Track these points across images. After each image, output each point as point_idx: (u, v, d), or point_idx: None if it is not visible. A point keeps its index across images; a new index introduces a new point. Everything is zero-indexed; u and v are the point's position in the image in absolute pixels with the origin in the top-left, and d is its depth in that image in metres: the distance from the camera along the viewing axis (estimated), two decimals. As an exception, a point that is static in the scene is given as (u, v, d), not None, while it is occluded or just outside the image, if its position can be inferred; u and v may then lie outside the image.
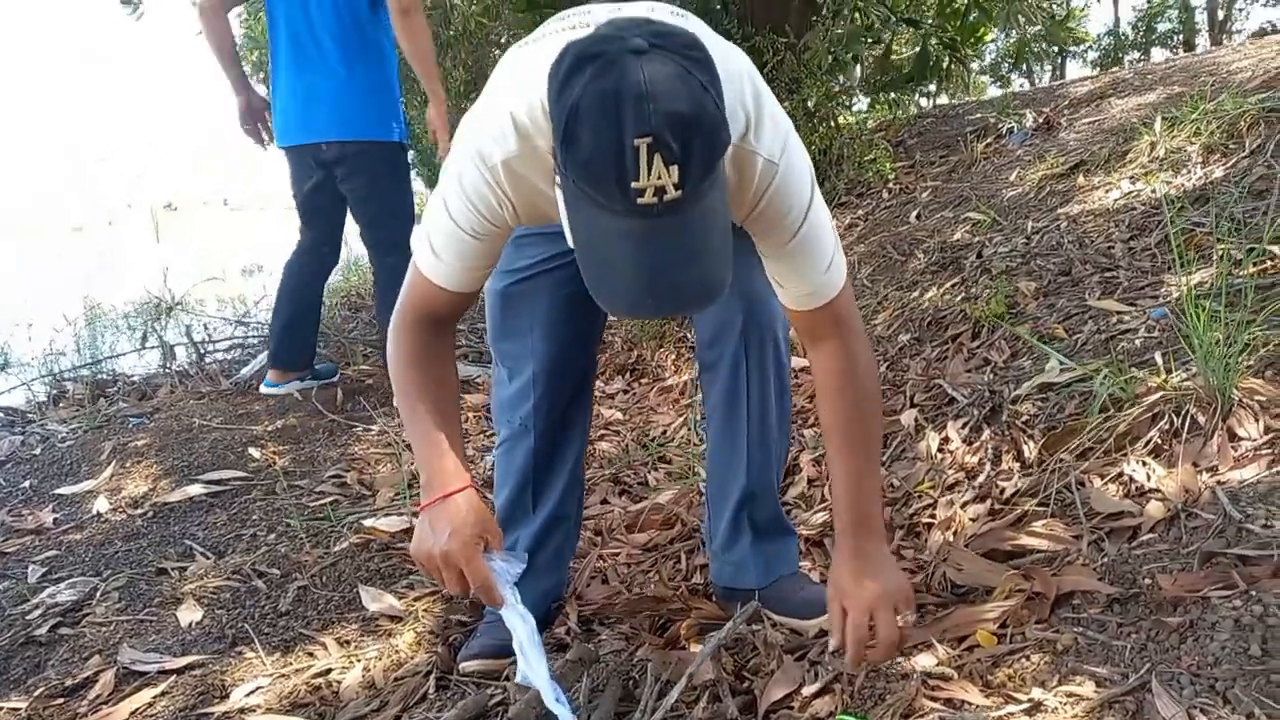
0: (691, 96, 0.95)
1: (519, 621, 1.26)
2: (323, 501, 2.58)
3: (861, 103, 7.19)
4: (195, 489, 2.75)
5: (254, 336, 5.50)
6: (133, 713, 1.62)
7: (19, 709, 1.66)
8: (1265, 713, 1.00)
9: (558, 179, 1.05)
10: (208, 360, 4.75)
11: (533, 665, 1.24)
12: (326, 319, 4.51)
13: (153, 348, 5.15)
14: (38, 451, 3.44)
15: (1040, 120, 4.85)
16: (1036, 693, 1.16)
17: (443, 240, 1.24)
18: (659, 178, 0.94)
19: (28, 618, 2.02)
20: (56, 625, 1.97)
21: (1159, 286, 2.42)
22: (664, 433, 2.92)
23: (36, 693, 1.69)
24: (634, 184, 0.94)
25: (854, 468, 1.30)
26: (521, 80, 1.17)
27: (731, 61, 1.18)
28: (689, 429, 2.87)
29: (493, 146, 1.16)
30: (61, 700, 1.69)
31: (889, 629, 1.22)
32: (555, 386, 1.63)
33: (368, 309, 5.63)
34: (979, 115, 5.84)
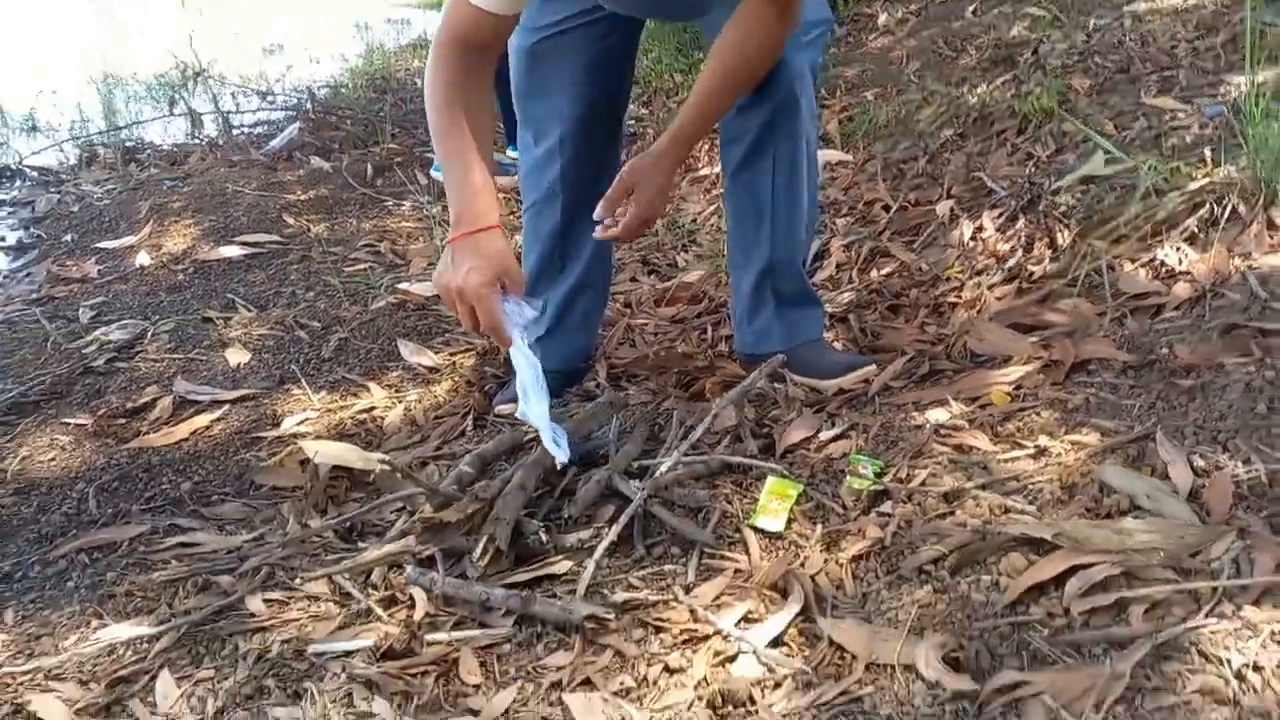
0: None
1: (523, 362, 1.27)
2: (358, 267, 2.64)
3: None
4: (233, 250, 2.81)
5: (280, 110, 5.42)
6: (193, 432, 1.74)
7: (85, 424, 1.78)
8: (1261, 459, 1.06)
9: None
10: (235, 131, 4.71)
11: (533, 405, 1.26)
12: (352, 99, 4.47)
13: (180, 114, 5.10)
14: (75, 209, 3.50)
15: (1116, -86, 4.51)
16: (1043, 440, 1.23)
17: None
18: None
19: (84, 351, 2.13)
20: (112, 359, 2.08)
21: (1218, 86, 2.34)
22: (694, 220, 2.93)
23: (100, 412, 1.81)
24: None
25: (708, 87, 1.41)
26: None
27: None
28: (720, 217, 2.87)
29: None
30: (124, 420, 1.81)
31: (639, 207, 1.41)
32: (583, 149, 1.62)
33: (393, 90, 5.51)
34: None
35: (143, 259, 2.79)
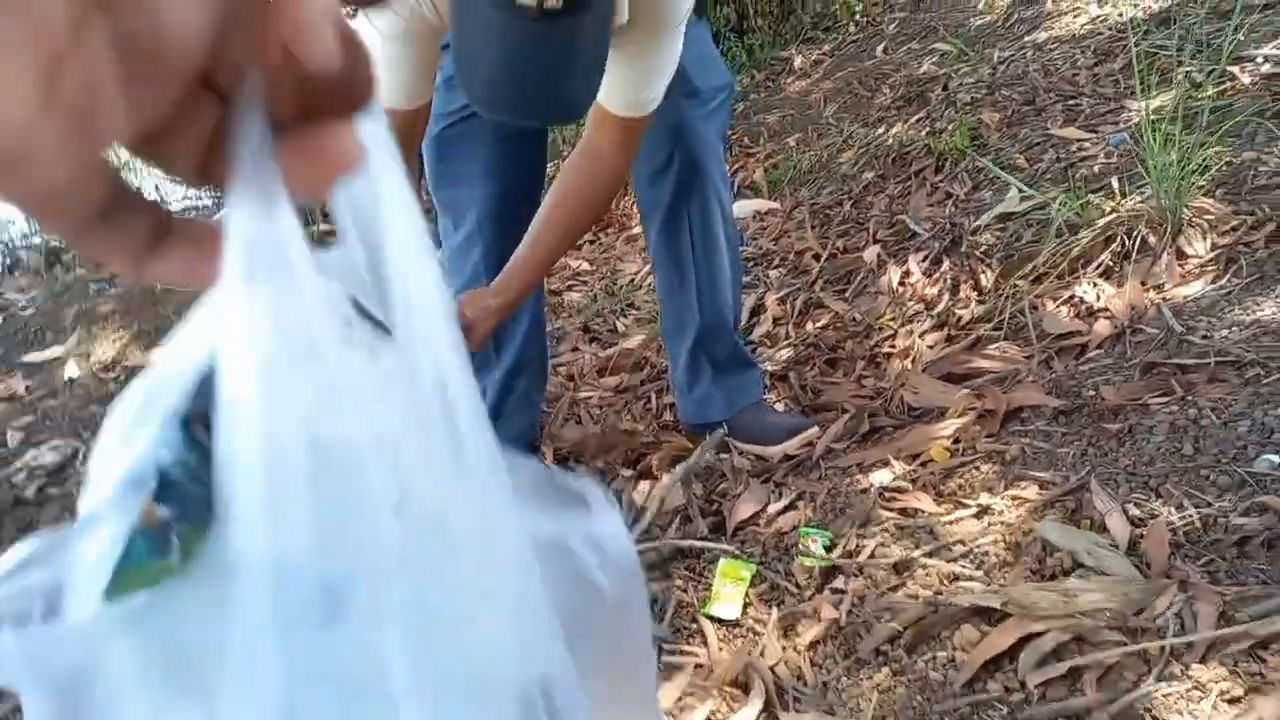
0: None
1: None
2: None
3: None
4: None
5: (207, 196, 5.36)
6: (129, 560, 1.68)
7: (17, 563, 1.72)
8: (1193, 503, 1.08)
9: None
10: (164, 224, 4.65)
11: None
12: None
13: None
14: None
15: (1009, -56, 4.68)
16: (984, 498, 1.24)
17: (374, 56, 1.23)
18: None
19: (14, 479, 2.06)
20: (43, 486, 2.02)
21: (1120, 113, 2.42)
22: (631, 281, 2.94)
23: (32, 547, 1.75)
24: None
25: (549, 235, 1.41)
26: None
27: None
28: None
29: None
30: (58, 553, 1.75)
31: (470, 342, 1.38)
32: (502, 230, 1.61)
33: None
34: (947, -59, 5.63)
35: (71, 370, 2.73)
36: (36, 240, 4.56)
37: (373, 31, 1.21)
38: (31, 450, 2.21)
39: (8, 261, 4.27)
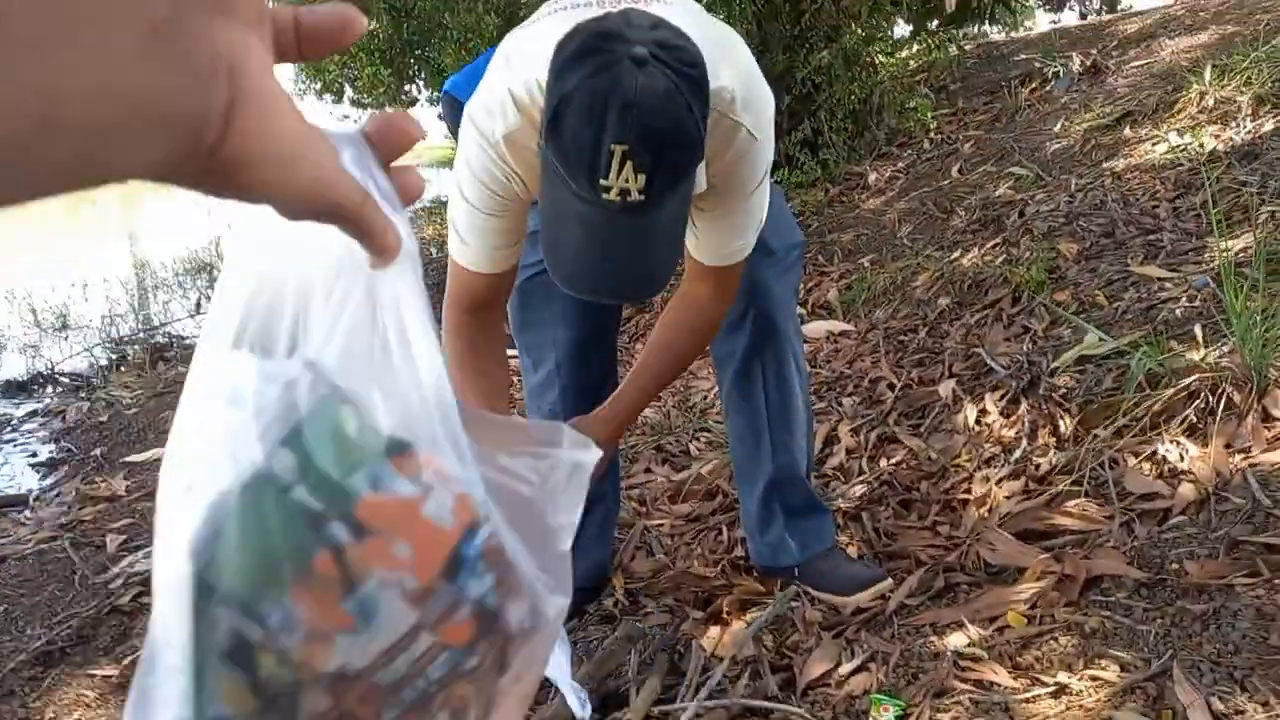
0: (675, 116, 1.02)
1: None
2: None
3: (903, 29, 6.97)
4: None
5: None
6: (214, 681, 1.74)
7: (110, 675, 1.79)
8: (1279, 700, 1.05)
9: (540, 145, 1.13)
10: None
11: (554, 659, 1.27)
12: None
13: (205, 313, 5.28)
14: (105, 419, 3.60)
15: (1087, 64, 4.74)
16: (1062, 676, 1.22)
17: (465, 225, 1.32)
18: (626, 181, 1.02)
19: (110, 586, 2.16)
20: (138, 594, 2.11)
21: (1203, 251, 2.41)
22: (705, 398, 2.98)
23: (125, 661, 1.83)
24: (602, 180, 1.03)
25: (652, 365, 1.48)
26: (517, 62, 1.25)
27: (734, 48, 1.31)
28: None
29: (495, 123, 1.22)
30: (148, 668, 1.82)
31: None
32: (578, 372, 1.69)
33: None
34: (1024, 57, 5.71)
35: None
36: (141, 336, 4.83)
37: (464, 204, 1.30)
38: (128, 556, 2.31)
39: (114, 358, 4.52)
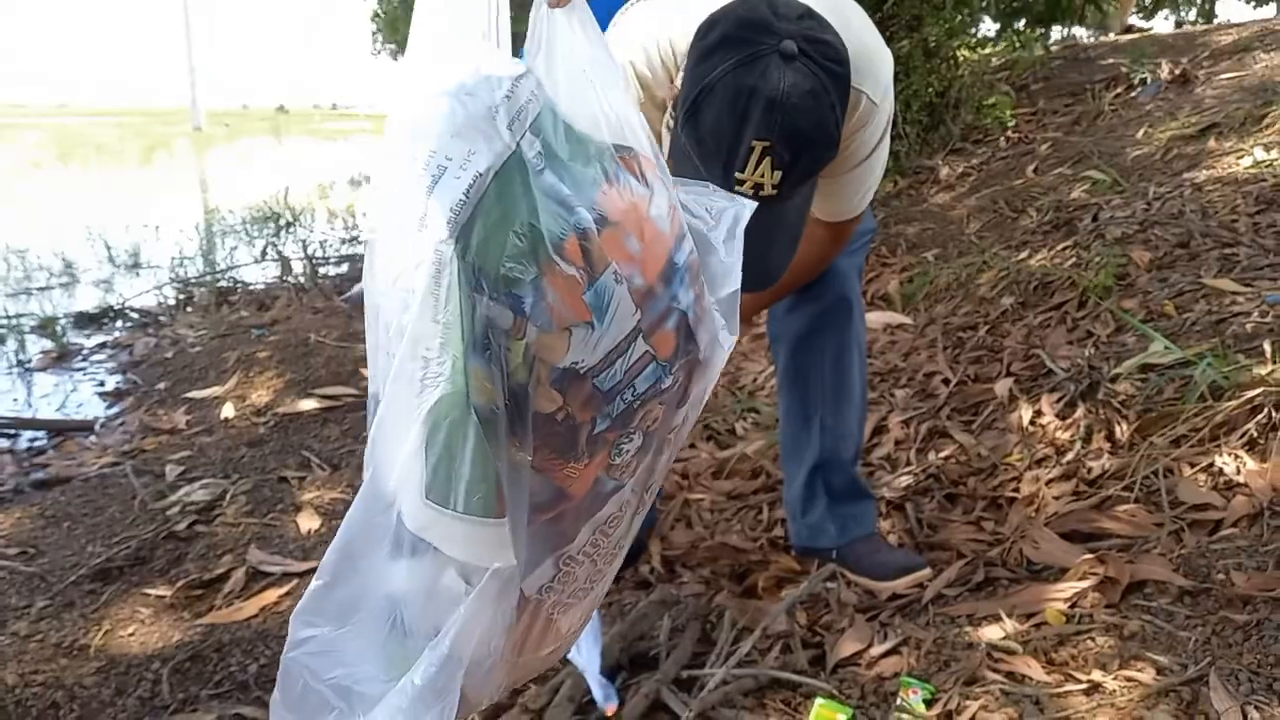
0: (818, 116, 1.02)
1: None
2: (428, 424, 2.74)
3: (989, 27, 6.83)
4: (311, 403, 2.94)
5: (362, 253, 5.71)
6: (262, 609, 1.80)
7: (164, 596, 1.87)
8: (1321, 719, 1.03)
9: (668, 124, 1.13)
10: (320, 275, 4.99)
11: (584, 650, 1.24)
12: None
13: (271, 260, 5.42)
14: (170, 355, 3.72)
15: (1176, 73, 4.61)
16: (1097, 674, 1.22)
17: None
18: (761, 176, 1.01)
19: (167, 513, 2.24)
20: (193, 523, 2.19)
21: (1279, 268, 2.34)
22: (755, 380, 2.98)
23: (178, 584, 1.90)
24: (738, 174, 1.03)
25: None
26: (636, 36, 1.24)
27: (851, 14, 1.29)
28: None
29: None
30: (200, 591, 1.89)
31: None
32: None
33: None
34: (1111, 61, 5.56)
35: (228, 411, 2.94)
36: (208, 279, 4.96)
37: None
38: (185, 486, 2.39)
39: (182, 298, 4.65)
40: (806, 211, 1.22)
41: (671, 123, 1.18)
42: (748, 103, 1.00)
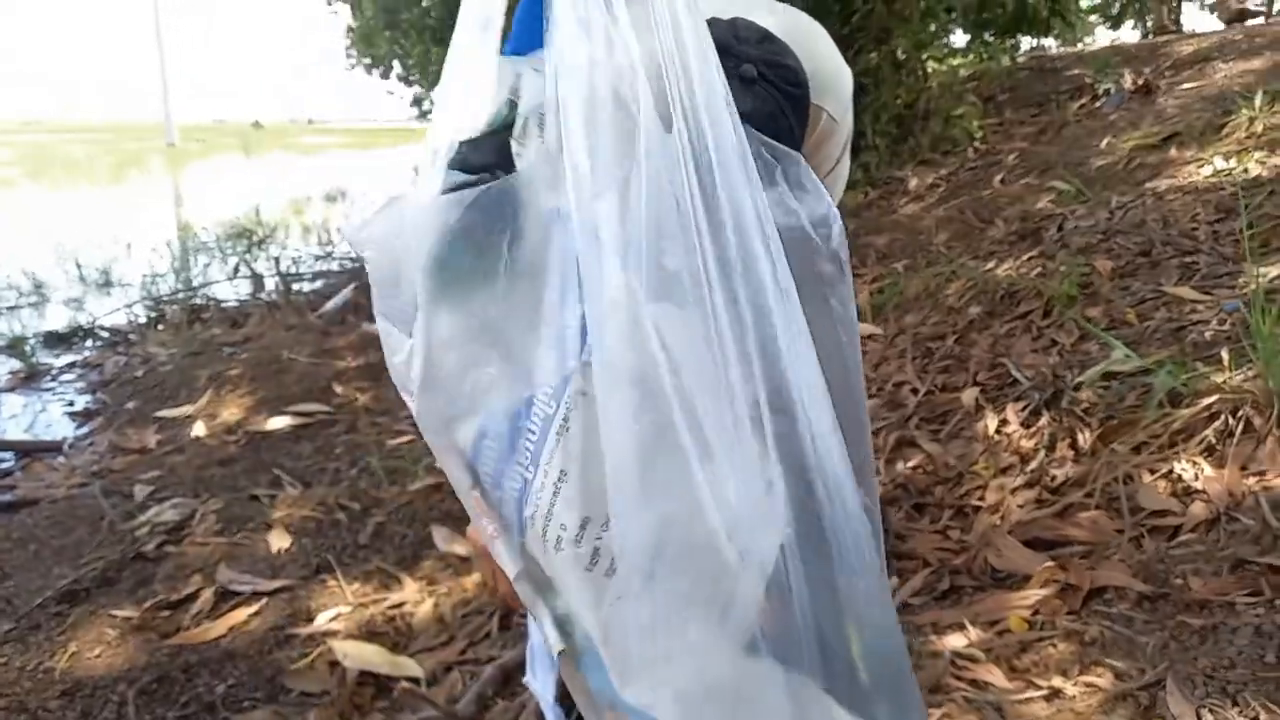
0: (777, 140, 1.03)
1: (534, 627, 1.24)
2: (400, 441, 2.73)
3: (959, 38, 6.90)
4: (284, 420, 2.93)
5: (336, 269, 5.70)
6: (230, 628, 1.79)
7: (131, 617, 1.85)
8: (1269, 716, 1.05)
9: None
10: (294, 291, 4.97)
11: (538, 676, 1.25)
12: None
13: (244, 277, 5.38)
14: (140, 374, 3.69)
15: (1139, 83, 4.69)
16: (1057, 680, 1.23)
17: None
18: None
19: (136, 534, 2.22)
20: (162, 543, 2.17)
21: (1238, 276, 2.38)
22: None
23: (146, 605, 1.88)
24: None
25: None
26: None
27: (812, 33, 1.28)
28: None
29: None
30: (168, 612, 1.88)
31: None
32: None
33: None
34: (1077, 72, 5.65)
35: (198, 429, 2.92)
36: (180, 297, 4.93)
37: None
38: (154, 506, 2.38)
39: (153, 316, 4.62)
40: None
41: None
42: None
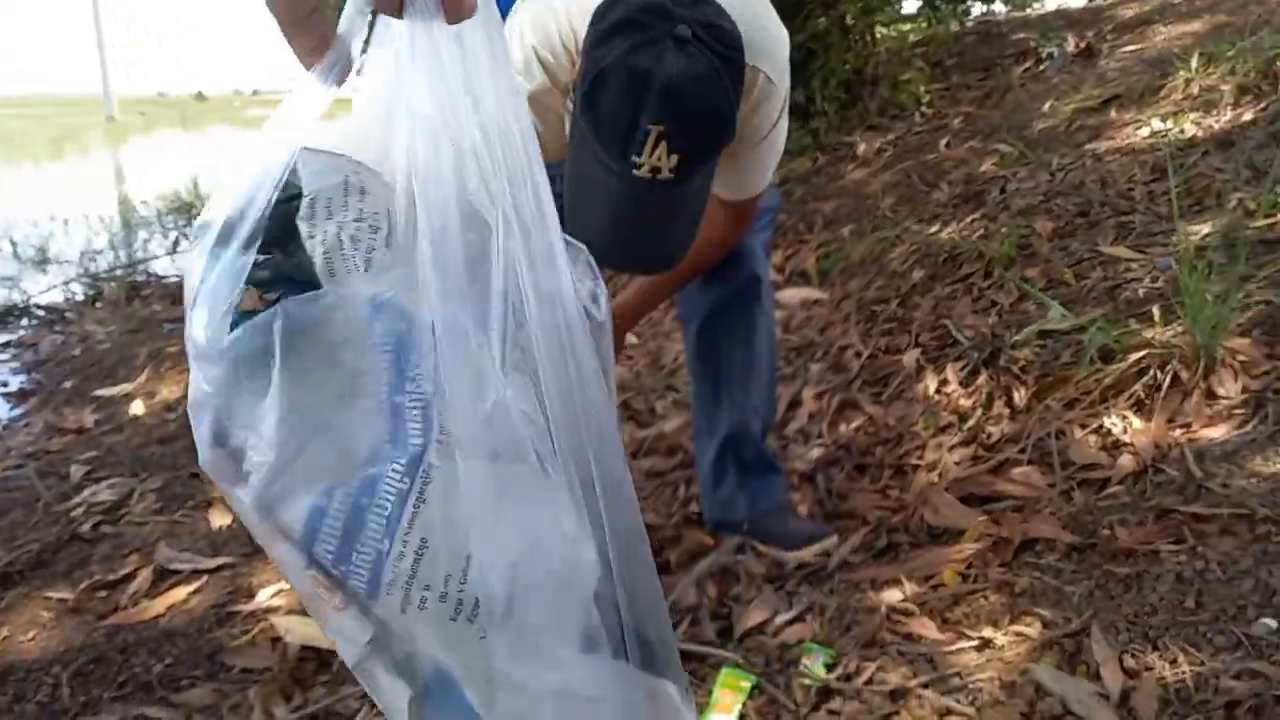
0: (713, 100, 1.03)
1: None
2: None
3: (909, 3, 6.91)
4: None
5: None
6: (169, 607, 1.77)
7: (67, 599, 1.81)
8: (1188, 660, 1.09)
9: (569, 107, 1.13)
10: (240, 266, 4.87)
11: None
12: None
13: (184, 252, 5.25)
14: (77, 352, 3.60)
15: (1081, 46, 4.73)
16: (988, 631, 1.26)
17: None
18: (659, 160, 1.02)
19: (71, 515, 2.18)
20: (99, 523, 2.13)
21: (1172, 234, 2.43)
22: (675, 359, 3.00)
23: (82, 585, 1.85)
24: (635, 158, 1.03)
25: (644, 284, 1.55)
26: (542, 21, 1.24)
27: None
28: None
29: (519, 81, 1.22)
30: (104, 593, 1.84)
31: None
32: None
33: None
34: (1022, 36, 5.68)
35: (137, 408, 2.86)
36: (119, 273, 4.81)
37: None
38: (91, 486, 2.33)
39: (91, 293, 4.50)
40: (707, 194, 1.23)
41: (571, 106, 1.18)
42: (642, 87, 1.02)
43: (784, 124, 1.37)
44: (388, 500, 0.59)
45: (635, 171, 1.04)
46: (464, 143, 0.63)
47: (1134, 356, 1.74)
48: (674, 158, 1.03)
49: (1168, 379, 1.67)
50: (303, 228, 0.67)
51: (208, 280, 0.66)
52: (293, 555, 0.62)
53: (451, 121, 0.63)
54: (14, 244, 5.51)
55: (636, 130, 1.02)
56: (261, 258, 0.65)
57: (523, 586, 0.60)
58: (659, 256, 1.18)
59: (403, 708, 0.63)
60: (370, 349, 0.62)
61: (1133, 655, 1.13)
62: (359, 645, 0.63)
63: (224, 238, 0.66)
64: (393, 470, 0.59)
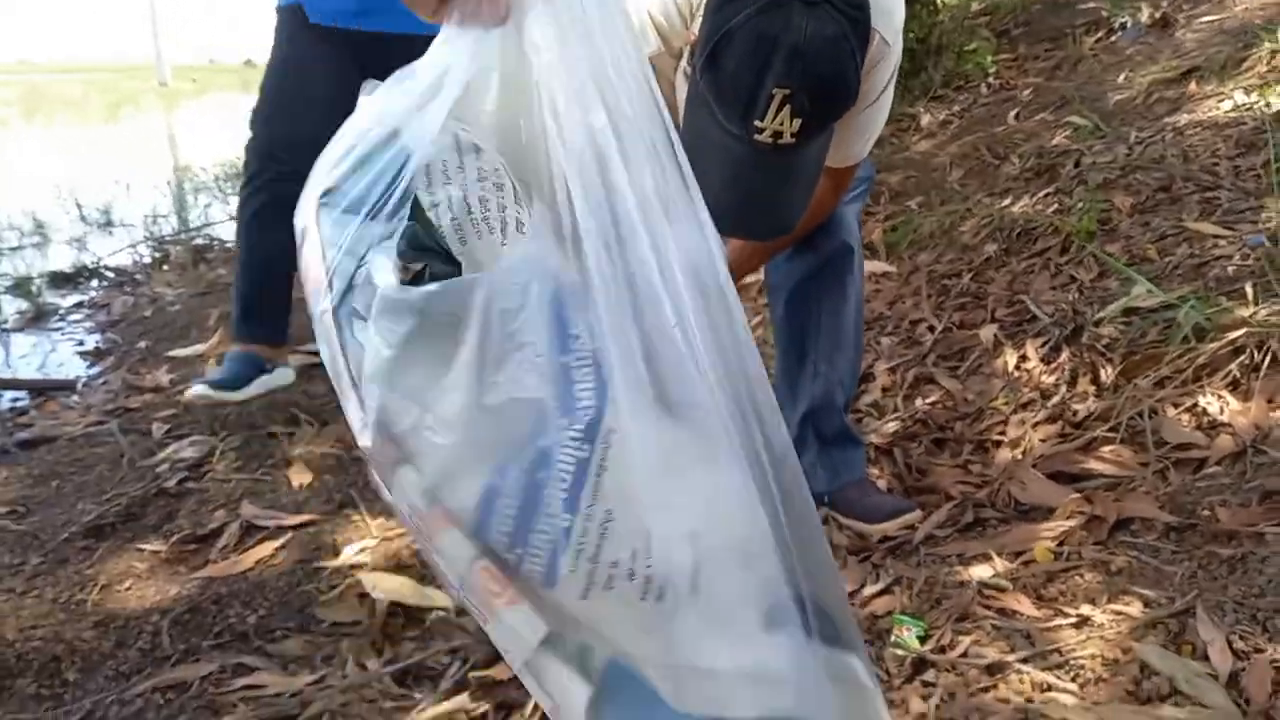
0: (839, 64, 1.01)
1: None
2: (415, 378, 2.73)
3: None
4: (296, 359, 2.92)
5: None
6: (258, 561, 1.81)
7: (159, 551, 1.87)
8: (1302, 645, 1.07)
9: (685, 71, 1.12)
10: (300, 230, 4.93)
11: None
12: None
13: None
14: (149, 314, 3.68)
15: (1156, 16, 4.59)
16: (1085, 608, 1.25)
17: None
18: (781, 124, 1.01)
19: (157, 470, 2.23)
20: (184, 479, 2.18)
21: (1260, 211, 2.36)
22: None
23: (172, 539, 1.90)
24: (757, 122, 1.02)
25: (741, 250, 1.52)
26: None
27: None
28: (765, 328, 2.93)
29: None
30: (194, 546, 1.90)
31: None
32: None
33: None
34: (1092, 5, 5.52)
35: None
36: (183, 237, 4.89)
37: None
38: (173, 444, 2.38)
39: (157, 256, 4.58)
40: (824, 159, 1.21)
41: (688, 70, 1.17)
42: (771, 49, 1.00)
43: (891, 90, 1.35)
44: (566, 472, 0.54)
45: (757, 136, 1.03)
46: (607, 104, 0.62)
47: (1229, 335, 1.70)
48: (796, 122, 1.02)
49: (1266, 358, 1.63)
50: (423, 197, 0.65)
51: (342, 244, 0.66)
52: (460, 546, 0.58)
53: (590, 88, 0.62)
54: (80, 207, 5.63)
55: (761, 94, 1.01)
56: (395, 226, 0.64)
57: (706, 558, 0.55)
58: (776, 223, 1.17)
59: (579, 708, 0.58)
60: (527, 311, 0.58)
61: (1241, 637, 1.11)
62: (531, 643, 0.58)
63: (353, 206, 0.65)
64: (570, 438, 0.55)
